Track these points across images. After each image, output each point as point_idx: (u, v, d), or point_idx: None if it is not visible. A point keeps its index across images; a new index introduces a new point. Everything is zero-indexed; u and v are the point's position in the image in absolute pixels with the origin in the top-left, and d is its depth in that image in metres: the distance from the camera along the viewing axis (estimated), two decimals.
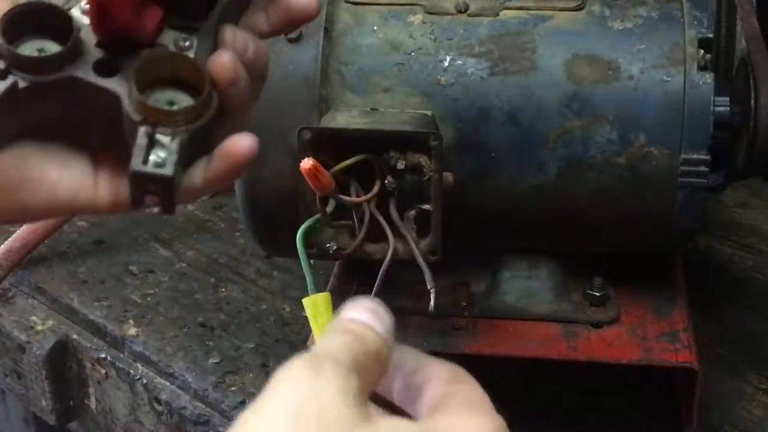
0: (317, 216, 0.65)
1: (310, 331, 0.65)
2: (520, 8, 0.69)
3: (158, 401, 0.80)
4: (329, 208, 0.65)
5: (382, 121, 0.65)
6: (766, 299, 0.86)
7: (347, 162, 0.63)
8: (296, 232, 0.64)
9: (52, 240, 0.96)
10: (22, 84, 0.43)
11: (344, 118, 0.65)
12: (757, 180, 1.00)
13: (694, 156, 0.65)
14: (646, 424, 0.73)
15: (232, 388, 0.78)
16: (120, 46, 0.44)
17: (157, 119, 0.43)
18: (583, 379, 0.73)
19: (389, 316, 0.43)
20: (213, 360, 0.81)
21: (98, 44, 0.45)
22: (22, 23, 0.44)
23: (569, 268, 0.74)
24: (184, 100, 0.44)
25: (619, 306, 0.72)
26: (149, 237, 1.00)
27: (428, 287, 0.64)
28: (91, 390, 0.87)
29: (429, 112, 0.66)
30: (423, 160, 0.63)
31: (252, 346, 0.83)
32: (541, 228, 0.70)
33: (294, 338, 0.83)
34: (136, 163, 0.42)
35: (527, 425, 0.72)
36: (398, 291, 0.71)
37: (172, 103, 0.44)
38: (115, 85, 0.44)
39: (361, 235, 0.65)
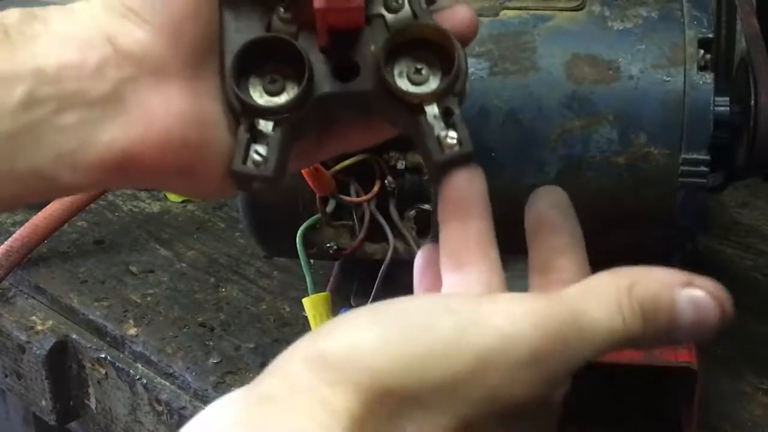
0: (317, 216, 0.65)
1: (310, 331, 0.65)
2: (520, 8, 0.69)
3: (158, 401, 0.80)
4: (329, 208, 0.65)
5: None
6: (767, 299, 0.86)
7: (347, 162, 0.63)
8: (296, 232, 0.64)
9: (52, 240, 0.96)
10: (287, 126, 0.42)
11: None
12: (757, 180, 1.01)
13: (694, 156, 0.65)
14: (645, 424, 0.73)
15: (232, 388, 0.77)
16: (342, 40, 0.43)
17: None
18: (583, 380, 0.73)
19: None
20: (213, 360, 0.81)
21: (321, 50, 0.43)
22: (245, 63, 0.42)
23: None
24: (430, 64, 0.43)
25: None
26: (149, 237, 1.00)
27: None
28: (91, 390, 0.87)
29: None
30: None
31: (252, 346, 0.83)
32: None
33: (294, 338, 0.82)
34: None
35: None
36: (398, 291, 0.71)
37: (419, 71, 0.43)
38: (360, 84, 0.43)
39: (361, 235, 0.65)
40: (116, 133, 0.40)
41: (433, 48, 0.43)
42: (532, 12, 0.69)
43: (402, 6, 0.43)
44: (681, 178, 0.65)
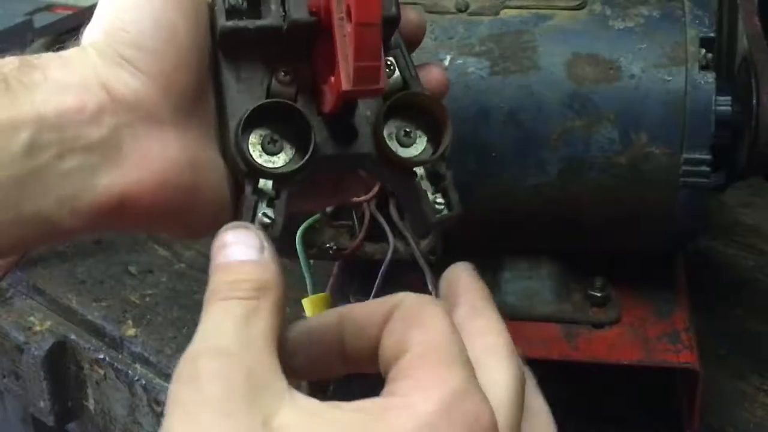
0: (317, 216, 0.64)
1: None
2: (521, 7, 0.69)
3: (157, 402, 0.80)
4: (329, 208, 0.64)
5: None
6: None
7: None
8: (296, 232, 0.64)
9: None
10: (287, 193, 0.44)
11: None
12: (759, 180, 1.00)
13: (696, 155, 0.65)
14: (647, 424, 0.73)
15: None
16: (344, 107, 0.44)
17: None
18: (584, 380, 0.73)
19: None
20: None
21: (321, 114, 0.45)
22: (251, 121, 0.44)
23: (570, 268, 0.73)
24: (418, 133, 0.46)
25: (620, 306, 0.72)
26: (148, 237, 1.00)
27: (429, 288, 0.64)
28: (90, 391, 0.86)
29: None
30: None
31: None
32: (541, 228, 0.70)
33: None
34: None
35: None
36: (398, 291, 0.71)
37: (408, 133, 0.46)
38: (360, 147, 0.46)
39: (361, 235, 0.65)
40: (114, 178, 0.41)
41: (420, 110, 0.46)
42: (532, 11, 0.68)
43: (393, 72, 0.46)
44: (682, 177, 0.65)
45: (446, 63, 0.67)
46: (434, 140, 0.46)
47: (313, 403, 0.34)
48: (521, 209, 0.68)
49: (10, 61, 0.41)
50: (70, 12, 1.28)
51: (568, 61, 0.66)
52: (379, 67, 0.40)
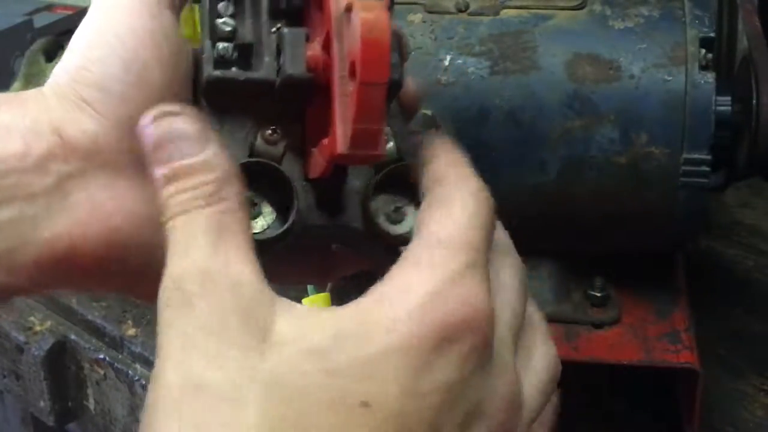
0: None
1: None
2: (521, 7, 0.69)
3: None
4: None
5: None
6: None
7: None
8: None
9: None
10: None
11: None
12: (759, 180, 1.00)
13: (696, 156, 0.65)
14: (647, 425, 0.73)
15: None
16: (334, 172, 0.40)
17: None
18: (584, 380, 0.73)
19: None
20: None
21: (308, 179, 0.41)
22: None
23: (570, 268, 0.73)
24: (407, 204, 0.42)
25: (620, 306, 0.72)
26: None
27: None
28: (90, 391, 0.86)
29: (429, 112, 0.66)
30: None
31: None
32: (541, 228, 0.70)
33: None
34: None
35: None
36: None
37: (399, 209, 0.42)
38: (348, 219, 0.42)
39: None
40: (57, 230, 0.37)
41: (413, 184, 0.42)
42: (532, 11, 0.68)
43: (388, 140, 0.42)
44: (682, 177, 0.65)
45: (446, 63, 0.67)
46: None
47: (305, 308, 0.34)
48: (520, 209, 0.68)
49: None
50: (70, 12, 1.29)
51: (568, 61, 0.66)
52: (380, 132, 0.36)
